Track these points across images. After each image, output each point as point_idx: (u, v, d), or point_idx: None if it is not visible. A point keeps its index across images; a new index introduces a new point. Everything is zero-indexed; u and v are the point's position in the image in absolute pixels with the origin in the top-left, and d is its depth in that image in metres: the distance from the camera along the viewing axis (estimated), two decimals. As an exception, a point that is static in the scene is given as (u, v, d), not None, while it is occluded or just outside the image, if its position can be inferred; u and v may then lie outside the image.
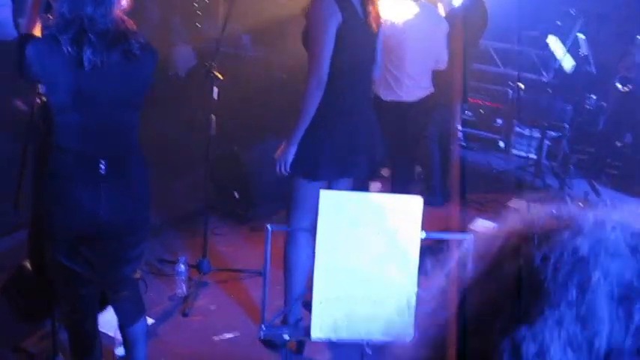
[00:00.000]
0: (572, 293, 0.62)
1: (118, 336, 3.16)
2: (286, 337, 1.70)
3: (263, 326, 3.40)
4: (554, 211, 0.71)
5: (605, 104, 6.26)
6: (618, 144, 6.01)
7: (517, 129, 6.06)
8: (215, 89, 4.15)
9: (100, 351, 2.99)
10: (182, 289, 4.05)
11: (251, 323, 3.93)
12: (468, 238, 1.79)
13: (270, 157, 3.52)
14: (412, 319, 1.73)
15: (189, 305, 3.97)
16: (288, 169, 3.36)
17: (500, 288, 0.67)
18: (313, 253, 3.55)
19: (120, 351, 3.32)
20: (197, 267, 4.27)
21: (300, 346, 3.67)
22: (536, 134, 5.99)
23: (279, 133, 4.52)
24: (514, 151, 6.38)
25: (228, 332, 3.82)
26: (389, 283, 1.72)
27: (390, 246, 1.73)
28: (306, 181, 3.40)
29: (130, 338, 3.02)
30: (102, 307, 3.02)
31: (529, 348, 0.61)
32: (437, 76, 4.73)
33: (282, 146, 3.38)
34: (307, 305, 3.85)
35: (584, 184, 5.93)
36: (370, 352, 1.72)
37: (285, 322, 3.66)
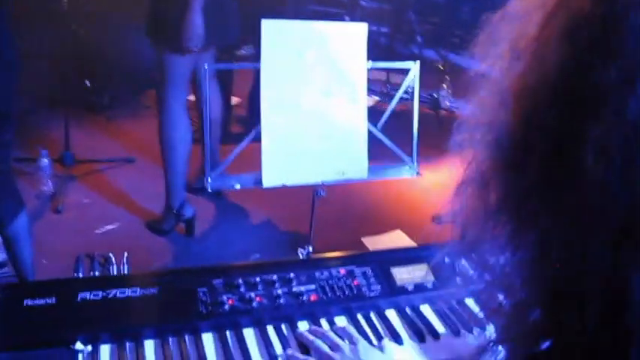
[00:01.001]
0: None
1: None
2: (237, 186, 1.64)
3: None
4: None
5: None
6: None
7: (362, 2, 6.13)
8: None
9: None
10: (48, 185, 3.79)
11: (129, 212, 3.81)
12: (414, 67, 1.81)
13: (120, 36, 3.30)
14: (365, 154, 1.74)
15: (60, 201, 3.74)
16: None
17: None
18: (190, 132, 3.48)
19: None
20: (60, 161, 3.99)
21: (189, 228, 3.63)
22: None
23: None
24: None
25: (107, 224, 3.66)
26: (339, 118, 1.70)
27: (337, 77, 1.70)
28: (174, 55, 3.28)
29: (13, 237, 2.79)
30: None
31: None
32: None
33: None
34: (189, 188, 3.79)
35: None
36: (324, 194, 1.72)
37: (169, 209, 3.57)
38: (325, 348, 1.35)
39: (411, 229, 4.04)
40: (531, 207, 0.66)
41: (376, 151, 1.83)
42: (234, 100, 4.92)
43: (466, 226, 0.76)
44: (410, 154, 1.83)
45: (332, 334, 1.40)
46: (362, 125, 1.71)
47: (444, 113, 5.70)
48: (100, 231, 3.60)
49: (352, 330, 1.43)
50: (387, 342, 1.43)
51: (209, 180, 1.63)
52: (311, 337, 1.40)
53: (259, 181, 1.61)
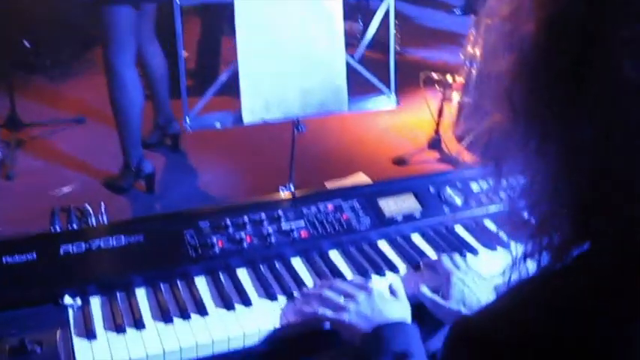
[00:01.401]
0: None
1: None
2: (218, 124, 1.58)
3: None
4: None
5: None
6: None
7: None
8: None
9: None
10: (-4, 151, 3.61)
11: (85, 174, 3.69)
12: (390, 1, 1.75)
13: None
14: (345, 86, 1.69)
15: (11, 167, 3.58)
16: None
17: None
18: (140, 88, 3.35)
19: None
20: (6, 126, 3.81)
21: (150, 184, 3.53)
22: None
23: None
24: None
25: (64, 186, 3.52)
26: (316, 52, 1.64)
27: (313, 9, 1.63)
28: (112, 5, 3.13)
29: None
30: None
31: None
32: None
33: None
34: (145, 144, 3.68)
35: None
36: (304, 130, 1.67)
37: (127, 167, 3.47)
38: (337, 298, 1.29)
39: (373, 172, 4.03)
40: (560, 115, 0.65)
41: (354, 88, 1.79)
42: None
43: (491, 146, 0.76)
44: (388, 86, 1.79)
45: (342, 285, 1.34)
46: (340, 57, 1.66)
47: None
48: (56, 194, 3.47)
49: (361, 280, 1.37)
50: (397, 284, 1.37)
51: (187, 120, 1.56)
52: (318, 292, 1.32)
53: (239, 118, 1.55)
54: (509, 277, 0.72)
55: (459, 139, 4.73)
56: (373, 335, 1.17)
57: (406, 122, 5.07)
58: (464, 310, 1.29)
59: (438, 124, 4.44)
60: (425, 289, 1.37)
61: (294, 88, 1.64)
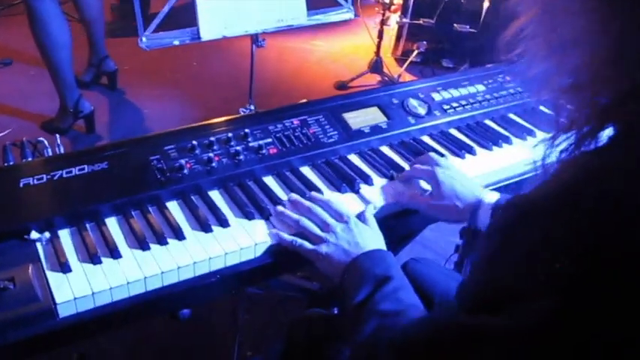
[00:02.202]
0: None
1: None
2: (176, 42, 1.50)
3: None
4: None
5: None
6: None
7: None
8: None
9: None
10: None
11: (19, 118, 3.52)
12: None
13: None
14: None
15: (-64, 116, 3.36)
16: None
17: None
18: (66, 27, 3.16)
19: None
20: None
21: (90, 124, 3.39)
22: None
23: None
24: None
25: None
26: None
27: None
28: None
29: None
30: None
31: None
32: None
33: None
34: (80, 83, 3.51)
35: None
36: (264, 44, 1.60)
37: (64, 109, 3.31)
38: (315, 229, 1.26)
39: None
40: None
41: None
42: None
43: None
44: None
45: (318, 210, 1.30)
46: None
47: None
48: (-8, 141, 3.29)
49: (339, 205, 1.33)
50: (368, 213, 1.33)
51: (143, 39, 1.47)
52: (295, 216, 1.29)
53: (197, 35, 1.47)
54: (543, 162, 0.76)
55: (399, 61, 4.74)
56: (353, 266, 1.17)
57: (345, 48, 5.02)
58: (459, 205, 1.30)
59: (378, 47, 4.41)
60: (414, 195, 1.37)
61: (252, 3, 1.56)
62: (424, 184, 1.42)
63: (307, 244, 1.24)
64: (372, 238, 1.25)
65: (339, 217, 1.29)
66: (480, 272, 0.78)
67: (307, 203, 1.32)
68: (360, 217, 1.31)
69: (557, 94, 0.76)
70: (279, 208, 1.33)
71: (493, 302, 0.71)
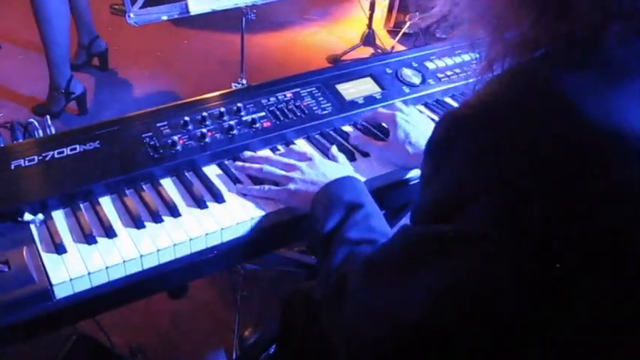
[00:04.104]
0: None
1: None
2: (164, 17, 1.47)
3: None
4: None
5: None
6: None
7: None
8: None
9: None
10: None
11: (9, 101, 3.51)
12: None
13: None
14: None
15: None
16: None
17: None
18: (66, 2, 3.12)
19: None
20: None
21: (82, 106, 3.37)
22: None
23: None
24: None
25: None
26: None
27: None
28: None
29: None
30: None
31: None
32: None
33: None
34: (72, 66, 3.48)
35: None
36: (254, 17, 1.57)
37: (56, 90, 3.28)
38: (279, 171, 1.27)
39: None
40: None
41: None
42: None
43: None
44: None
45: (277, 157, 1.32)
46: None
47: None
48: (-17, 126, 3.26)
49: (300, 148, 1.36)
50: (334, 150, 1.37)
51: (131, 15, 1.44)
52: (256, 166, 1.30)
53: (185, 9, 1.44)
54: (474, 87, 0.81)
55: (392, 33, 4.70)
56: (322, 193, 1.15)
57: (337, 21, 4.97)
58: (410, 150, 1.33)
59: (370, 20, 4.37)
60: (369, 139, 1.41)
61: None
62: None
63: (275, 187, 1.25)
64: (340, 169, 1.25)
65: (302, 157, 1.31)
66: (426, 188, 0.82)
67: (265, 153, 1.36)
68: (328, 155, 1.36)
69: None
70: (238, 163, 1.34)
71: (440, 213, 0.77)
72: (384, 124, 1.45)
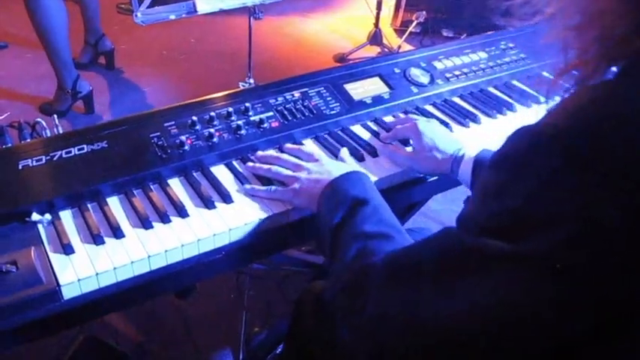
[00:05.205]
0: None
1: None
2: (172, 16, 1.46)
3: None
4: None
5: None
6: None
7: None
8: None
9: None
10: None
11: (17, 101, 3.50)
12: None
13: None
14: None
15: None
16: None
17: None
18: (63, 4, 3.12)
19: None
20: None
21: (88, 105, 3.37)
22: None
23: None
24: None
25: (-3, 115, 3.34)
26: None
27: None
28: None
29: None
30: None
31: None
32: None
33: None
34: (77, 65, 3.47)
35: None
36: (262, 16, 1.56)
37: (62, 90, 3.28)
38: (286, 171, 1.28)
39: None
40: None
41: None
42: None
43: None
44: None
45: (287, 157, 1.33)
46: None
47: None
48: (-10, 124, 3.26)
49: (309, 148, 1.36)
50: (344, 153, 1.37)
51: (138, 15, 1.44)
52: (265, 167, 1.31)
53: (193, 8, 1.44)
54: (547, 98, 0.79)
55: (399, 32, 4.68)
56: (329, 189, 1.14)
57: (344, 20, 4.96)
58: (439, 156, 1.31)
59: (377, 18, 4.36)
60: (396, 148, 1.40)
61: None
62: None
63: (281, 188, 1.25)
64: (345, 167, 1.25)
65: (309, 157, 1.31)
66: (486, 200, 0.76)
67: (274, 153, 1.36)
68: (336, 156, 1.36)
69: (564, 34, 0.76)
70: (249, 163, 1.34)
71: (498, 229, 0.71)
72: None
